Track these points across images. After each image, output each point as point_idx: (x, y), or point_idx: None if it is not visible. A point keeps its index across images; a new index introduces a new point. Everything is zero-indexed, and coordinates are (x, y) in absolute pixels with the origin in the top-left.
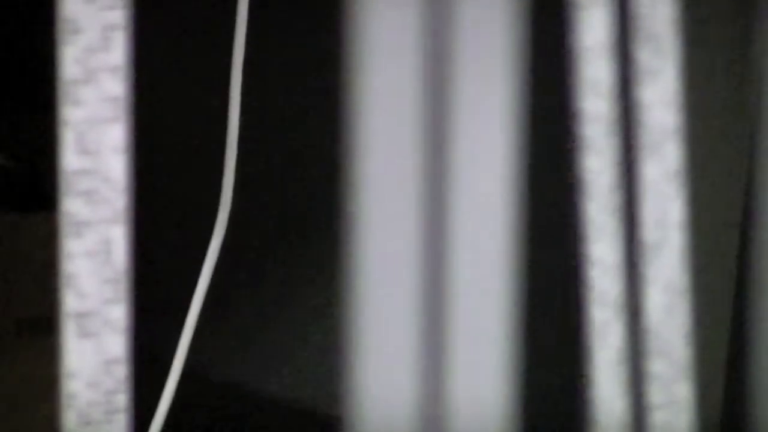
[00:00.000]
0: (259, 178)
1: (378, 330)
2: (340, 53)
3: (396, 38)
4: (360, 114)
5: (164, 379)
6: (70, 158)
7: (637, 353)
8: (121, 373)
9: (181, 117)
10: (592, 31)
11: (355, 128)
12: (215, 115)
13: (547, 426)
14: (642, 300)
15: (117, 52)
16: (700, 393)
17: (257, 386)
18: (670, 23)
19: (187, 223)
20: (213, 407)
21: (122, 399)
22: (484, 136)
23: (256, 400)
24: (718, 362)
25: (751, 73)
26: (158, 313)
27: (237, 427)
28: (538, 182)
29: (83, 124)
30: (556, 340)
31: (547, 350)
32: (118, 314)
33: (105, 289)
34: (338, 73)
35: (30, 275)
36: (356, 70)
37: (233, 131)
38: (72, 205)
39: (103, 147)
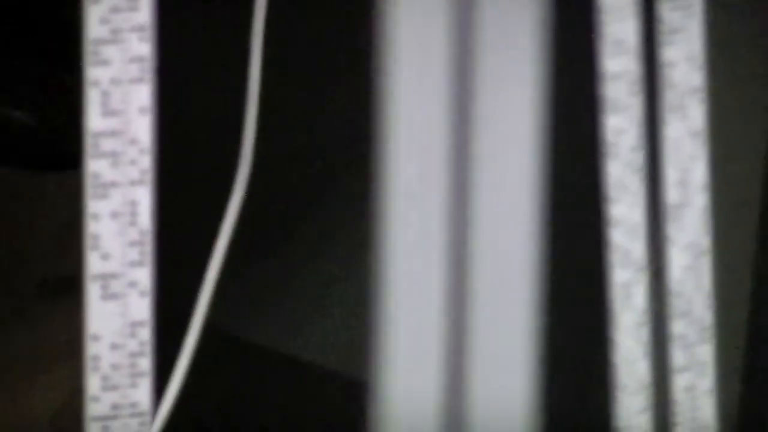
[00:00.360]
0: (282, 136)
1: (405, 297)
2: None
3: (424, 32)
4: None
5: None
6: (95, 119)
7: (660, 314)
8: (145, 335)
9: (205, 77)
10: None
11: (384, 96)
12: (239, 76)
13: (570, 386)
14: (665, 260)
15: (143, 11)
16: (722, 355)
17: (281, 348)
18: None
19: (211, 185)
20: (236, 369)
21: (146, 362)
22: (511, 104)
23: (279, 361)
24: (740, 323)
25: None
26: (183, 275)
27: (260, 389)
28: (562, 150)
29: (108, 85)
30: (580, 303)
31: (571, 312)
32: (142, 276)
33: (129, 251)
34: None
35: (53, 236)
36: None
37: (254, 88)
38: (96, 166)
39: (128, 108)
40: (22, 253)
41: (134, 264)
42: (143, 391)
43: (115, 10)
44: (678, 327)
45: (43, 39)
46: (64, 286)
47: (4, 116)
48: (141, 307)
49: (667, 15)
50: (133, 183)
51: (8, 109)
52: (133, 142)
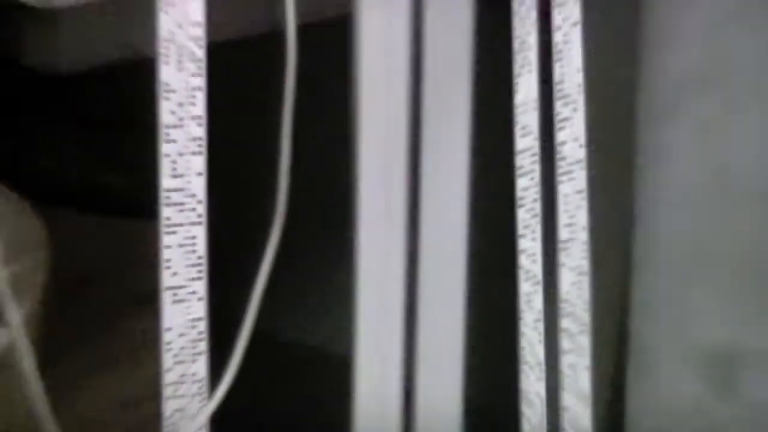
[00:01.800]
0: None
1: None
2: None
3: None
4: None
5: (230, 332)
6: (166, 180)
7: (553, 315)
8: (202, 327)
9: (241, 147)
10: (525, 92)
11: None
12: (270, 144)
13: (492, 364)
14: (557, 278)
15: (199, 106)
16: (596, 342)
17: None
18: (578, 86)
19: (245, 228)
20: (266, 358)
21: (203, 345)
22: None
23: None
24: (610, 322)
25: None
26: (228, 286)
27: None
28: (487, 194)
29: (176, 156)
30: (498, 310)
31: (493, 312)
32: (199, 287)
33: (191, 270)
34: None
35: (143, 263)
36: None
37: (286, 142)
38: (168, 212)
39: (189, 172)
40: (123, 275)
41: (194, 279)
42: (201, 365)
43: (180, 104)
44: (565, 323)
45: (129, 125)
46: (151, 296)
47: (105, 179)
48: (198, 308)
49: (560, 109)
50: (192, 223)
51: (107, 174)
52: (192, 195)
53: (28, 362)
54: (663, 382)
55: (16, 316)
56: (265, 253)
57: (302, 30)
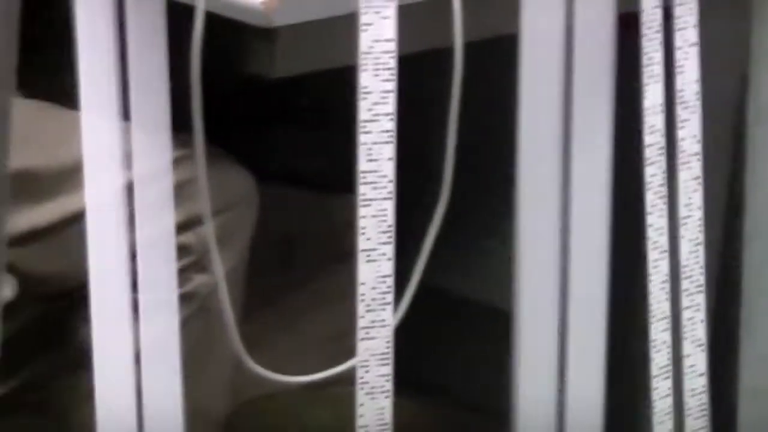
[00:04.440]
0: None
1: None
2: None
3: None
4: None
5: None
6: (363, 164)
7: (675, 277)
8: (390, 282)
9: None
10: (652, 98)
11: None
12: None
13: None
14: (678, 247)
15: (390, 105)
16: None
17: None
18: (695, 93)
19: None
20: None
21: (389, 296)
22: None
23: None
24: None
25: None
26: (407, 248)
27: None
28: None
29: (371, 146)
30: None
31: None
32: (388, 250)
33: (381, 235)
34: None
35: (341, 230)
36: None
37: (452, 135)
38: (364, 190)
39: (381, 157)
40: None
41: (384, 243)
42: (387, 313)
43: (375, 103)
44: (684, 284)
45: (332, 120)
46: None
47: (312, 163)
48: (387, 267)
49: (680, 112)
50: (384, 198)
51: (314, 158)
52: (383, 176)
53: (227, 307)
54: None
55: (220, 264)
56: (433, 221)
57: (471, 45)
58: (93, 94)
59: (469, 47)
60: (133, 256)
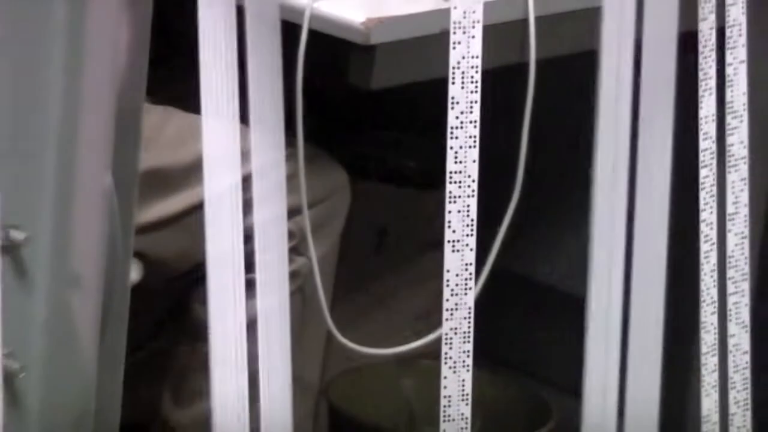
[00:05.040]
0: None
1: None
2: None
3: None
4: None
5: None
6: (450, 165)
7: (723, 267)
8: (471, 270)
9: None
10: (707, 108)
11: None
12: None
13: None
14: (726, 240)
15: (475, 113)
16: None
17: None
18: (743, 104)
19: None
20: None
21: (472, 282)
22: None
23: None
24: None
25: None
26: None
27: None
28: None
29: (458, 149)
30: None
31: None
32: (470, 241)
33: (465, 229)
34: None
35: (429, 222)
36: None
37: (524, 140)
38: (451, 188)
39: (466, 160)
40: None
41: (467, 235)
42: (470, 297)
43: (462, 112)
44: (731, 273)
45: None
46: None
47: (405, 164)
48: (470, 256)
49: (730, 120)
50: (468, 196)
51: (408, 160)
52: (468, 176)
53: (320, 288)
54: None
55: (314, 249)
56: (506, 215)
57: (548, 61)
58: (214, 100)
59: (551, 62)
60: (245, 240)
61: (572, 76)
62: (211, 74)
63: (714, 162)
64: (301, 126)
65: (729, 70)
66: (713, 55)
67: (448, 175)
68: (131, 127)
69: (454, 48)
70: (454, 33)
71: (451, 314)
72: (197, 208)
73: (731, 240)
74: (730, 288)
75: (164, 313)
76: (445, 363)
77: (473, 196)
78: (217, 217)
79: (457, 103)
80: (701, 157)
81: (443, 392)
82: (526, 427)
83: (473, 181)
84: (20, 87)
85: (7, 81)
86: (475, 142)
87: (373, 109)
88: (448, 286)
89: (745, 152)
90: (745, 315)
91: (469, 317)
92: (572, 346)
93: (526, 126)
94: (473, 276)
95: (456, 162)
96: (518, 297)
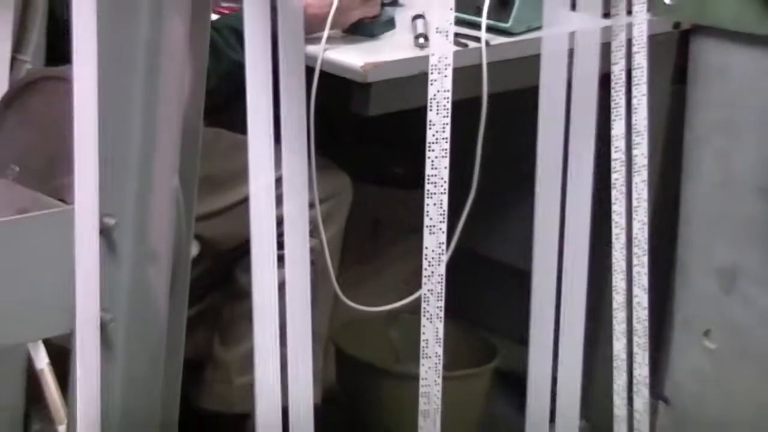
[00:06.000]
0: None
1: None
2: None
3: None
4: None
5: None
6: (428, 170)
7: (629, 246)
8: (443, 248)
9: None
10: (617, 130)
11: None
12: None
13: None
14: (631, 226)
15: (447, 133)
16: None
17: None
18: (644, 126)
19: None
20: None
21: (444, 257)
22: None
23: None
24: (660, 248)
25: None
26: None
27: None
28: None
29: (434, 158)
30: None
31: None
32: (443, 226)
33: (439, 216)
34: None
35: (412, 213)
36: None
37: (478, 153)
38: (428, 187)
39: (440, 166)
40: (400, 219)
41: (441, 222)
42: (443, 267)
43: (436, 131)
44: (635, 249)
45: (410, 141)
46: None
47: (394, 169)
48: (443, 237)
49: (634, 138)
50: (441, 193)
51: (395, 166)
52: (441, 178)
53: (329, 261)
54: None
55: (324, 234)
56: (465, 208)
57: (503, 93)
58: (256, 124)
59: (505, 94)
60: (277, 225)
61: (521, 105)
62: (255, 106)
63: (623, 168)
64: (312, 142)
65: (634, 101)
66: (623, 90)
67: (426, 178)
68: (192, 143)
69: (431, 84)
70: (432, 74)
71: (428, 279)
72: (239, 203)
73: (635, 226)
74: (634, 261)
75: (215, 278)
76: (424, 315)
77: (445, 193)
78: (258, 208)
79: (434, 125)
80: (613, 165)
81: (422, 337)
82: (480, 362)
83: (445, 182)
84: (113, 113)
85: (107, 108)
86: (446, 153)
87: (370, 130)
88: (426, 259)
89: (645, 161)
90: (645, 281)
91: (441, 282)
92: (518, 306)
93: (480, 141)
94: (444, 251)
95: (432, 168)
96: (477, 268)
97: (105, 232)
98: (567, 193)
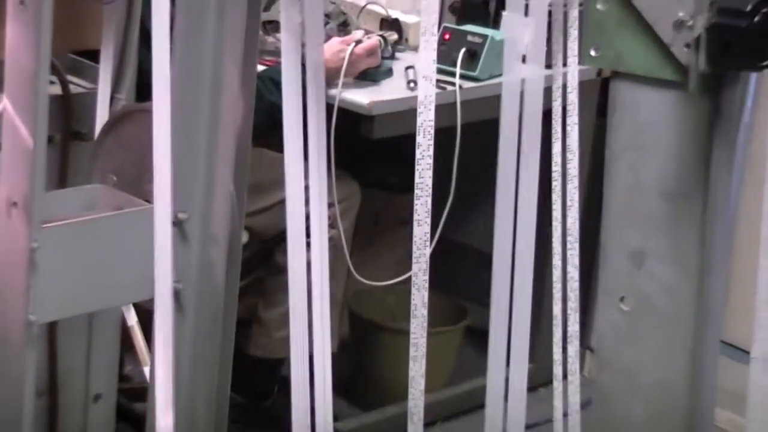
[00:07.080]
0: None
1: None
2: None
3: None
4: None
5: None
6: (417, 179)
7: (564, 237)
8: (428, 237)
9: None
10: (556, 147)
11: None
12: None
13: None
14: (566, 220)
15: (430, 151)
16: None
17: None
18: (576, 145)
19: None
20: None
21: (427, 243)
22: None
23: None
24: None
25: None
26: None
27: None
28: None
29: (420, 170)
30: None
31: None
32: (427, 220)
33: (426, 212)
34: None
35: (407, 212)
36: None
37: (455, 163)
38: (417, 192)
39: (425, 176)
40: (398, 216)
41: (426, 216)
42: (428, 250)
43: (423, 150)
44: (569, 239)
45: (405, 157)
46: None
47: (394, 178)
48: (427, 228)
49: (568, 155)
50: (426, 195)
51: (395, 176)
52: (426, 185)
53: (345, 246)
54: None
55: (341, 226)
56: (447, 205)
57: (474, 122)
58: (291, 145)
59: (476, 123)
60: (306, 219)
61: (486, 131)
62: (290, 132)
63: (560, 177)
64: (332, 159)
65: (568, 128)
66: (560, 120)
67: (416, 184)
68: (243, 158)
69: (419, 116)
70: (419, 108)
71: (417, 260)
72: (278, 203)
73: (569, 220)
74: (568, 246)
75: (260, 258)
76: (414, 286)
77: (429, 196)
78: (292, 207)
79: (421, 145)
80: (553, 175)
81: (412, 302)
82: (455, 321)
83: (429, 187)
84: (183, 137)
85: (179, 134)
86: (430, 167)
87: (374, 149)
88: (415, 244)
89: (576, 172)
90: (576, 260)
91: (426, 262)
92: (484, 279)
93: (456, 158)
94: (429, 239)
95: (419, 177)
96: (454, 251)
97: (178, 224)
98: (519, 195)
